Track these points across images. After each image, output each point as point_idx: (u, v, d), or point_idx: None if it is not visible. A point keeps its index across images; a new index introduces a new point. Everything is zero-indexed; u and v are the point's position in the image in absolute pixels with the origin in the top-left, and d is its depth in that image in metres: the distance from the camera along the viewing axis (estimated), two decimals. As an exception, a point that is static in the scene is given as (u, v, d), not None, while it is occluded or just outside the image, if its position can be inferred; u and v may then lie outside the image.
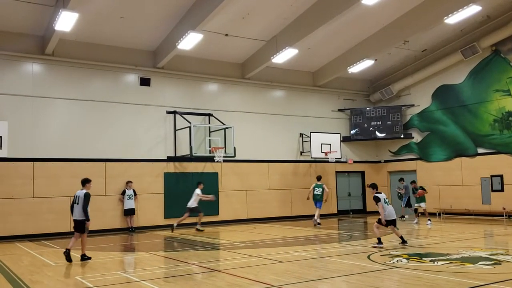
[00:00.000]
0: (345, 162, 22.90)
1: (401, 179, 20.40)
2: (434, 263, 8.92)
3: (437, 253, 10.32)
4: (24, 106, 15.86)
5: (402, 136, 22.58)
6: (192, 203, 16.14)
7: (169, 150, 18.35)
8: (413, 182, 18.17)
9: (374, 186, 12.34)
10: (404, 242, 11.46)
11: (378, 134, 22.88)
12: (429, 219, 17.06)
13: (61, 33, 14.90)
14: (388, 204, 11.77)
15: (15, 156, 15.36)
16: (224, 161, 18.33)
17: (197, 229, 16.37)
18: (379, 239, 11.40)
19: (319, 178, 18.07)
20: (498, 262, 8.81)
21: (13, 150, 15.16)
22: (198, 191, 16.26)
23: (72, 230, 10.54)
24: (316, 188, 17.58)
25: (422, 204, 17.29)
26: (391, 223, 11.66)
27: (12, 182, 15.34)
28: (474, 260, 9.14)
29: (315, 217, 17.36)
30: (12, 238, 14.92)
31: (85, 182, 10.48)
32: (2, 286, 7.93)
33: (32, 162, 15.74)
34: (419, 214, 17.94)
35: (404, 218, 19.67)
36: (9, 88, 15.71)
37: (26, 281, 8.21)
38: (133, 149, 17.59)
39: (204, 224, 18.65)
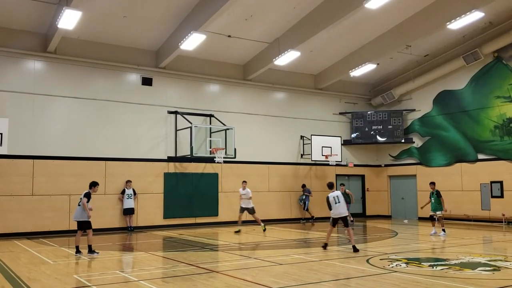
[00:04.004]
0: (346, 165, 22.89)
1: (304, 185, 20.99)
2: (433, 268, 8.90)
3: (436, 258, 10.31)
4: (25, 104, 15.85)
5: (403, 141, 22.58)
6: None
7: (169, 150, 18.35)
8: (432, 183, 15.88)
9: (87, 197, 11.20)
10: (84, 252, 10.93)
11: (379, 138, 22.87)
12: (443, 229, 15.98)
13: (64, 31, 14.91)
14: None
15: (15, 153, 15.34)
16: (224, 162, 18.32)
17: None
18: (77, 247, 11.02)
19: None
20: (497, 268, 8.79)
21: (13, 147, 15.15)
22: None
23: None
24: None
25: (438, 212, 15.56)
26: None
27: (11, 179, 15.33)
28: (473, 266, 9.12)
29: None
30: (10, 236, 14.90)
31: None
32: (0, 283, 7.91)
33: (32, 160, 15.73)
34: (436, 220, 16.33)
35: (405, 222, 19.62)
36: (11, 85, 15.71)
37: (24, 278, 8.19)
38: (133, 149, 17.58)
39: (204, 225, 18.66)
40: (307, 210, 20.59)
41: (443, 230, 15.16)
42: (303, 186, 20.96)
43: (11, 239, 14.39)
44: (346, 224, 11.60)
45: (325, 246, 11.66)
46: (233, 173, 19.60)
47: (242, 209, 16.49)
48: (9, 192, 15.26)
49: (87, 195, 11.16)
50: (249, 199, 16.36)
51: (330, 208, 11.62)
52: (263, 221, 19.23)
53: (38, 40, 16.24)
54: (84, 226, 11.06)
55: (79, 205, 11.14)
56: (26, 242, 13.81)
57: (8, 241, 13.91)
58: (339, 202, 11.50)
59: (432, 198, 15.55)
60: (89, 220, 11.12)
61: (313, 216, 20.61)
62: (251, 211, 16.42)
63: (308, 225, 19.52)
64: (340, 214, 11.51)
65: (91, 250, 10.92)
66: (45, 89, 16.24)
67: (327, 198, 11.64)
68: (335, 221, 11.72)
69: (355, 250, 11.12)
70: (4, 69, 15.69)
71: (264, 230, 16.33)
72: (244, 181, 16.80)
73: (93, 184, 11.50)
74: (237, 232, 16.07)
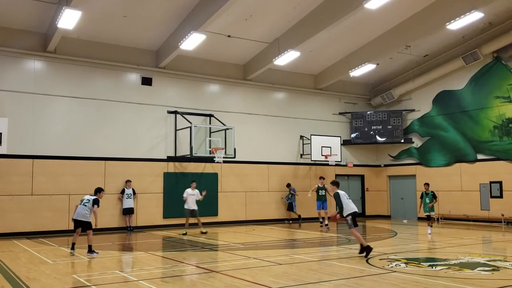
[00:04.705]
0: (345, 165, 22.90)
1: (289, 184, 20.45)
2: (432, 268, 8.91)
3: (435, 258, 10.32)
4: (25, 103, 15.85)
5: (402, 141, 22.59)
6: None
7: (169, 150, 18.35)
8: (426, 184, 16.07)
9: None
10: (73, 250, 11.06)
11: (378, 138, 22.88)
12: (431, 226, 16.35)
13: (63, 30, 14.91)
14: None
15: (14, 153, 15.34)
16: (224, 162, 18.32)
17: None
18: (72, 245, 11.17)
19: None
20: (496, 268, 8.80)
21: (13, 147, 15.14)
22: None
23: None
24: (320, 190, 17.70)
25: (433, 212, 15.78)
26: None
27: (11, 179, 15.32)
28: (472, 266, 9.13)
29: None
30: (10, 235, 14.89)
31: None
32: (0, 283, 7.91)
33: (32, 159, 15.73)
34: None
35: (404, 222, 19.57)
36: (10, 84, 15.70)
37: (23, 278, 8.19)
38: (133, 148, 17.58)
39: (203, 224, 18.65)
40: (294, 210, 20.09)
41: (430, 226, 15.64)
42: (288, 185, 20.47)
43: (10, 239, 14.39)
44: (355, 223, 10.41)
45: (369, 251, 10.14)
46: (233, 173, 19.61)
47: (189, 212, 15.71)
48: (9, 191, 15.26)
49: (97, 202, 11.12)
50: (200, 199, 15.83)
51: (340, 206, 10.32)
52: (263, 221, 19.28)
53: (38, 39, 16.24)
54: (85, 226, 11.07)
55: (84, 205, 11.05)
56: (25, 242, 13.80)
57: (7, 241, 13.91)
58: (350, 198, 10.66)
59: (427, 199, 15.68)
60: (90, 221, 11.12)
61: (300, 216, 19.97)
62: (196, 213, 15.82)
63: (295, 225, 19.20)
64: (354, 209, 10.39)
65: (91, 250, 10.93)
66: (45, 88, 16.23)
67: (338, 195, 10.41)
68: (354, 218, 10.36)
69: (363, 252, 10.24)
70: (4, 69, 15.69)
71: (205, 232, 15.65)
72: (193, 181, 16.31)
73: (99, 190, 11.44)
74: (184, 234, 15.36)
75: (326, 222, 17.32)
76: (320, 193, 17.70)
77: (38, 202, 15.61)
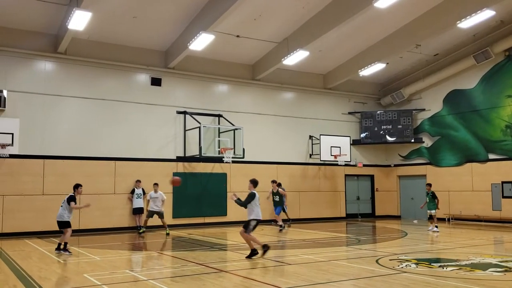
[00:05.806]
0: (355, 165, 22.79)
1: (280, 184, 19.55)
2: (443, 268, 8.84)
3: (446, 258, 10.24)
4: (36, 104, 15.99)
5: (413, 141, 22.44)
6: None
7: (178, 150, 18.41)
8: (428, 184, 17.19)
9: None
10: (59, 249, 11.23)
11: (388, 138, 22.75)
12: (436, 226, 16.37)
13: (74, 32, 15.02)
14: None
15: (26, 153, 15.50)
16: (233, 162, 18.34)
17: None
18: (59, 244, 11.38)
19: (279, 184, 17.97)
20: (508, 269, 8.71)
21: (24, 147, 15.32)
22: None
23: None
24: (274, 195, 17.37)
25: (433, 211, 16.42)
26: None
27: (22, 179, 15.47)
28: (484, 266, 9.04)
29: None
30: (21, 235, 15.04)
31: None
32: (11, 281, 7.99)
33: (43, 160, 15.87)
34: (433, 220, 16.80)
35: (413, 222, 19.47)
36: (22, 85, 15.85)
37: (35, 277, 8.27)
38: (142, 149, 17.67)
39: (212, 224, 18.68)
40: (285, 211, 19.15)
41: (436, 226, 16.25)
42: (279, 185, 19.43)
43: (22, 238, 14.53)
44: (247, 229, 10.12)
45: (254, 254, 10.05)
46: (242, 173, 19.59)
47: (151, 213, 15.49)
48: (20, 191, 15.41)
49: (73, 199, 11.37)
50: (162, 202, 15.58)
51: (247, 203, 10.09)
52: (271, 221, 19.22)
53: (49, 40, 16.38)
54: (62, 225, 11.36)
55: (61, 206, 11.42)
56: (37, 241, 13.93)
57: (19, 240, 14.05)
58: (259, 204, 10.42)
59: (427, 198, 16.65)
60: (69, 220, 11.38)
61: (289, 219, 19.12)
62: (162, 215, 15.60)
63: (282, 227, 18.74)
64: (260, 217, 10.21)
65: (64, 248, 11.18)
66: (56, 89, 16.37)
67: (254, 196, 10.16)
68: (256, 226, 10.21)
69: (252, 255, 10.02)
70: (15, 70, 15.84)
71: (168, 234, 15.50)
72: (156, 184, 16.05)
73: (76, 186, 11.69)
74: (141, 233, 15.64)
75: (281, 223, 17.11)
76: (274, 199, 17.40)
77: (49, 202, 15.71)
